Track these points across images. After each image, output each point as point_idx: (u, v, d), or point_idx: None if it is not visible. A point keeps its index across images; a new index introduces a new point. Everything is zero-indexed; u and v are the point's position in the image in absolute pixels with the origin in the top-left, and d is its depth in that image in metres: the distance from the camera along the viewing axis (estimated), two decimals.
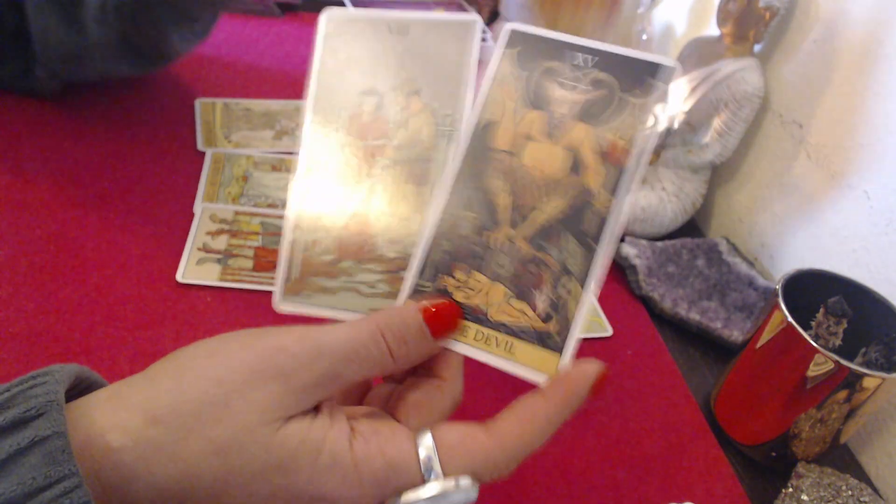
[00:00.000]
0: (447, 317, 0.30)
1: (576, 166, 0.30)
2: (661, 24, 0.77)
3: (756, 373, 0.44)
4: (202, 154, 0.58)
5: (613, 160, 0.29)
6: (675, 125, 0.61)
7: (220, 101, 0.64)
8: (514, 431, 0.29)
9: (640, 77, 0.30)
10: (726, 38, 0.59)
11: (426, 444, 0.27)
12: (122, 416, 0.25)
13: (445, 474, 0.27)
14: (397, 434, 0.28)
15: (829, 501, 0.41)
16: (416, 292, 0.31)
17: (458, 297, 0.31)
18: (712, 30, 0.61)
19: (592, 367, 0.30)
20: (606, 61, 0.30)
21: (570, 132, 0.30)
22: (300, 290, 0.33)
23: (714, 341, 0.53)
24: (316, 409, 0.28)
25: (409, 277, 0.31)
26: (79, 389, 0.27)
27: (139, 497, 0.25)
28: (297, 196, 0.33)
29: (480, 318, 0.30)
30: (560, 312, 0.29)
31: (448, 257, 0.31)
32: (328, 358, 0.27)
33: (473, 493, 0.28)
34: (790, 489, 0.42)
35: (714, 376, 0.51)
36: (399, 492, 0.27)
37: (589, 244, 0.29)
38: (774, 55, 0.61)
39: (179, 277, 0.47)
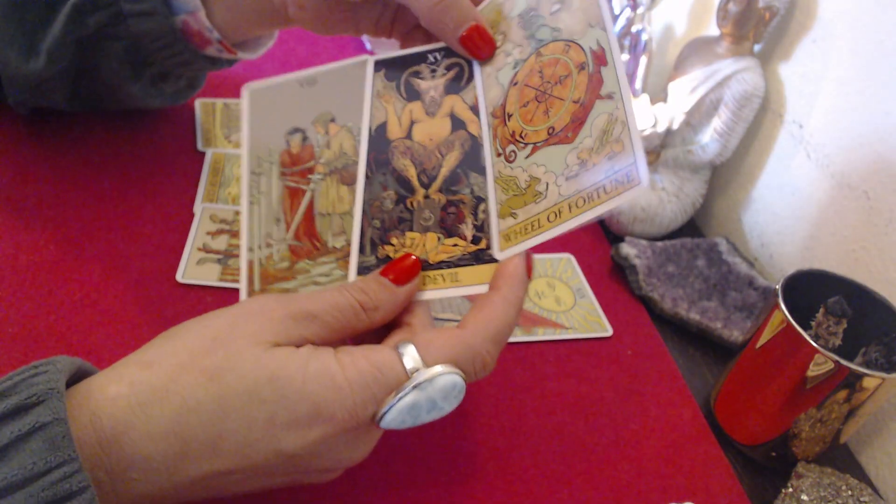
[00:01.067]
0: (402, 262, 0.34)
1: (457, 124, 0.37)
2: (660, 24, 0.77)
3: (756, 373, 0.44)
4: (202, 154, 0.58)
5: (478, 111, 0.38)
6: (675, 125, 0.61)
7: (219, 102, 0.64)
8: (479, 319, 0.32)
9: None
10: (726, 39, 0.59)
11: (407, 351, 0.30)
12: (119, 370, 0.27)
13: (427, 364, 0.30)
14: (378, 346, 0.31)
15: (829, 501, 0.41)
16: (363, 269, 0.36)
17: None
18: (712, 30, 0.61)
19: (518, 254, 0.34)
20: (450, 49, 0.39)
21: (444, 105, 0.38)
22: None
23: (714, 341, 0.53)
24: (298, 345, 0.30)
25: (353, 258, 0.37)
26: (79, 378, 0.28)
27: (138, 448, 0.26)
28: (247, 224, 0.39)
29: (424, 265, 0.35)
30: (486, 231, 0.35)
31: (381, 231, 0.37)
32: (304, 303, 0.31)
33: (459, 379, 0.30)
34: (790, 489, 0.42)
35: (714, 376, 0.51)
36: (388, 392, 0.29)
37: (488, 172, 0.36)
38: (774, 55, 0.61)
39: (179, 277, 0.47)
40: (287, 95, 0.41)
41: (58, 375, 0.25)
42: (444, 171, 0.37)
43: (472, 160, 0.36)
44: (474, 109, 0.37)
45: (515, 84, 0.36)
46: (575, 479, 0.41)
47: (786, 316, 0.41)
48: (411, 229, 0.36)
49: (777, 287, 0.43)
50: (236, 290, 0.47)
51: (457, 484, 0.40)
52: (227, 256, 0.49)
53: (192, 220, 0.52)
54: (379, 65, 0.40)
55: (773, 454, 0.45)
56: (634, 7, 0.69)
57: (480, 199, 0.36)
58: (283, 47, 0.80)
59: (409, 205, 0.37)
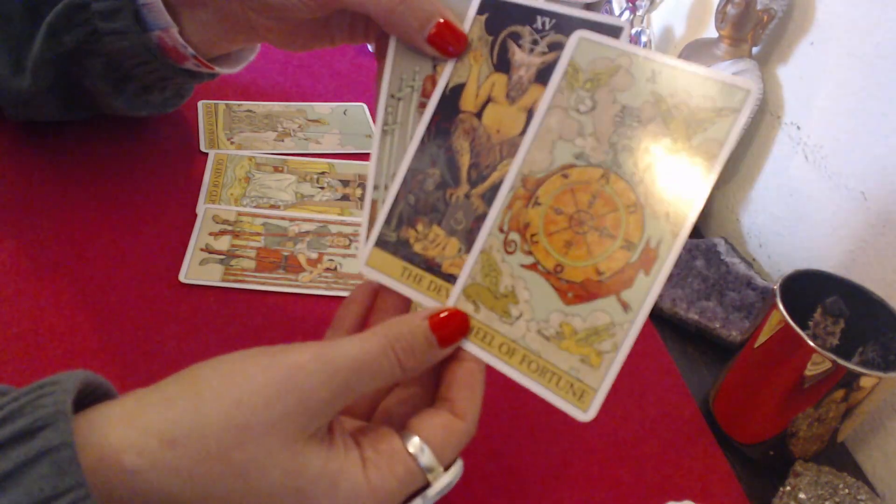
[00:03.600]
0: (454, 326, 0.31)
1: (529, 128, 0.31)
2: (660, 26, 0.78)
3: (754, 372, 0.44)
4: (205, 155, 0.59)
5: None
6: None
7: (222, 103, 0.65)
8: (472, 403, 0.31)
9: None
10: (724, 41, 0.60)
11: (415, 444, 0.29)
12: (138, 437, 0.25)
13: (444, 466, 0.29)
14: (396, 449, 0.29)
15: (827, 500, 0.41)
16: (381, 241, 0.33)
17: (417, 248, 0.32)
18: (711, 32, 0.61)
19: None
20: (564, 24, 0.30)
21: (527, 94, 0.31)
22: None
23: (713, 341, 0.54)
24: (330, 434, 0.29)
25: (377, 226, 0.33)
26: (86, 395, 0.27)
27: None
28: (376, 157, 0.34)
29: (434, 269, 0.32)
30: None
31: (412, 210, 0.32)
32: (343, 373, 0.28)
33: (461, 466, 0.31)
34: (788, 487, 0.42)
35: (712, 376, 0.51)
36: (407, 498, 0.29)
37: None
38: (772, 57, 0.61)
39: (182, 278, 0.48)
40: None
41: (64, 396, 0.25)
42: (496, 177, 0.31)
43: None
44: None
45: (566, 177, 0.29)
46: (574, 478, 0.42)
47: (784, 316, 0.41)
48: (440, 224, 0.32)
49: (775, 287, 0.43)
50: (240, 291, 0.48)
51: (456, 483, 0.40)
52: (230, 257, 0.50)
53: (194, 221, 0.52)
54: (486, 5, 0.32)
55: (772, 453, 0.45)
56: (634, 9, 0.69)
57: None
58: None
59: (447, 196, 0.32)
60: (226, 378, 0.27)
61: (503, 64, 0.31)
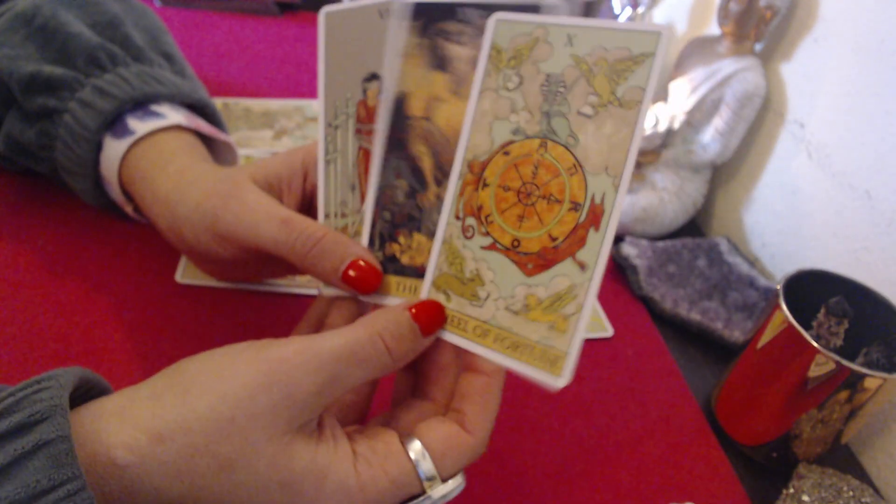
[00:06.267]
0: (431, 314, 0.31)
1: (466, 115, 0.31)
2: (661, 23, 0.77)
3: (757, 373, 0.44)
4: None
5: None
6: (676, 125, 0.61)
7: (219, 101, 0.64)
8: (484, 419, 0.30)
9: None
10: (727, 38, 0.59)
11: (416, 449, 0.29)
12: (128, 433, 0.26)
13: (442, 478, 0.29)
14: (393, 449, 0.29)
15: (831, 502, 0.41)
16: None
17: (404, 259, 0.32)
18: (713, 29, 0.61)
19: None
20: (484, 10, 0.31)
21: (470, 85, 0.32)
22: None
23: (715, 341, 0.53)
24: (319, 428, 0.29)
25: None
26: (82, 392, 0.28)
27: None
28: (323, 186, 0.35)
29: (423, 274, 0.32)
30: None
31: (390, 225, 0.33)
32: (329, 364, 0.28)
33: (464, 483, 0.30)
34: (791, 490, 0.41)
35: (715, 376, 0.51)
36: (401, 501, 0.29)
37: None
38: (775, 54, 0.60)
39: (178, 278, 0.47)
40: (365, 29, 0.34)
41: (60, 391, 0.25)
42: None
43: None
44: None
45: (507, 154, 0.30)
46: (575, 479, 0.41)
47: (787, 316, 0.41)
48: (419, 230, 0.32)
49: (778, 287, 0.42)
50: (236, 291, 0.47)
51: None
52: None
53: None
54: (420, 11, 0.32)
55: (774, 455, 0.44)
56: (635, 6, 0.69)
57: None
58: (284, 45, 0.80)
59: (419, 202, 0.32)
60: (212, 373, 0.27)
61: (440, 62, 0.32)
